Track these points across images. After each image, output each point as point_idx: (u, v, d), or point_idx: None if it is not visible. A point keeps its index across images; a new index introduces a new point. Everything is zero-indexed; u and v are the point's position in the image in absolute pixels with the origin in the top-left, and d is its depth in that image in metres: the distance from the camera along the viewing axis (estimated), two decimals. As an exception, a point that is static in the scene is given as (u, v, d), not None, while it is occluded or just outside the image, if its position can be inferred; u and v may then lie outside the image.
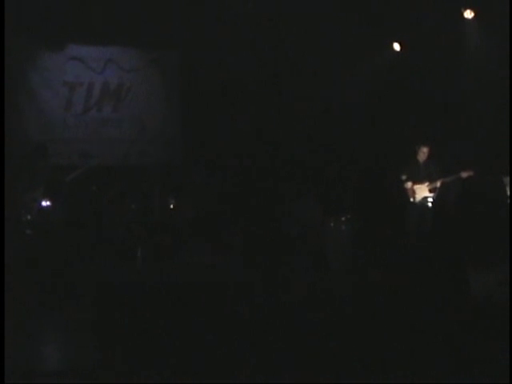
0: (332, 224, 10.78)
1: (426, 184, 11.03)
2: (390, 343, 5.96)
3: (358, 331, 6.40)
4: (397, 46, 12.64)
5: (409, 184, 11.09)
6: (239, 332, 6.41)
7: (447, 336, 6.00)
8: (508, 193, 10.37)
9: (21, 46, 11.46)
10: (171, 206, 11.53)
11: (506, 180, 10.45)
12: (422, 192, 11.06)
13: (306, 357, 5.65)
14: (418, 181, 11.07)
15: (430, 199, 11.06)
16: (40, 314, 7.21)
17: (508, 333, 5.67)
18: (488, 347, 5.60)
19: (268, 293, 8.19)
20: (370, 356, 5.61)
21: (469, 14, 11.67)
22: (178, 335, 6.30)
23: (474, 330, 6.09)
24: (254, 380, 5.16)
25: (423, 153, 11.12)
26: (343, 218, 10.80)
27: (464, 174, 10.76)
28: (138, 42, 12.43)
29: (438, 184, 10.97)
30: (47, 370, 5.71)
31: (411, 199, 11.06)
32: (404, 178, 11.11)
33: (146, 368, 5.40)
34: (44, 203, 9.95)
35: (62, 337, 6.64)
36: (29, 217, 9.77)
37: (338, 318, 6.96)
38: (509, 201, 10.19)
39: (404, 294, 7.89)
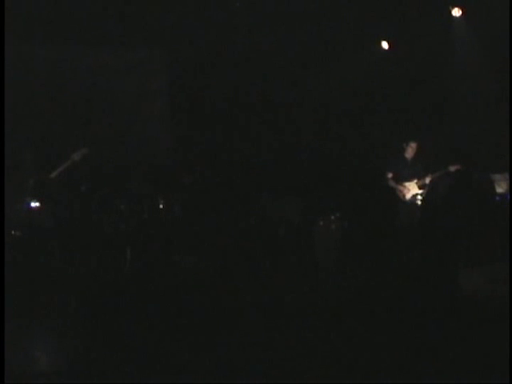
0: (321, 223, 10.78)
1: (415, 181, 11.04)
2: (386, 343, 5.96)
3: (349, 331, 6.40)
4: (385, 45, 12.66)
5: (398, 182, 11.09)
6: (228, 332, 6.42)
7: (447, 336, 6.02)
8: (496, 189, 10.41)
9: (8, 48, 11.35)
10: (160, 206, 11.47)
11: (495, 177, 10.49)
12: (412, 189, 11.06)
13: (295, 356, 5.65)
14: (406, 178, 11.07)
15: (420, 196, 11.07)
16: (27, 315, 7.18)
17: (508, 332, 5.69)
18: (488, 347, 5.61)
19: (257, 292, 8.20)
20: (365, 357, 5.61)
21: (457, 12, 11.75)
22: (167, 335, 6.31)
23: (474, 330, 6.12)
24: (248, 380, 5.14)
25: (412, 149, 11.10)
26: (332, 217, 10.79)
27: (452, 168, 10.79)
28: (126, 42, 12.35)
29: (427, 180, 11.00)
30: (46, 370, 5.70)
31: (401, 197, 11.05)
32: (390, 175, 11.10)
33: (139, 368, 5.40)
34: (33, 204, 9.87)
35: (55, 338, 6.61)
36: (17, 218, 9.69)
37: (328, 317, 6.97)
38: (499, 197, 10.22)
39: (397, 293, 7.91)
